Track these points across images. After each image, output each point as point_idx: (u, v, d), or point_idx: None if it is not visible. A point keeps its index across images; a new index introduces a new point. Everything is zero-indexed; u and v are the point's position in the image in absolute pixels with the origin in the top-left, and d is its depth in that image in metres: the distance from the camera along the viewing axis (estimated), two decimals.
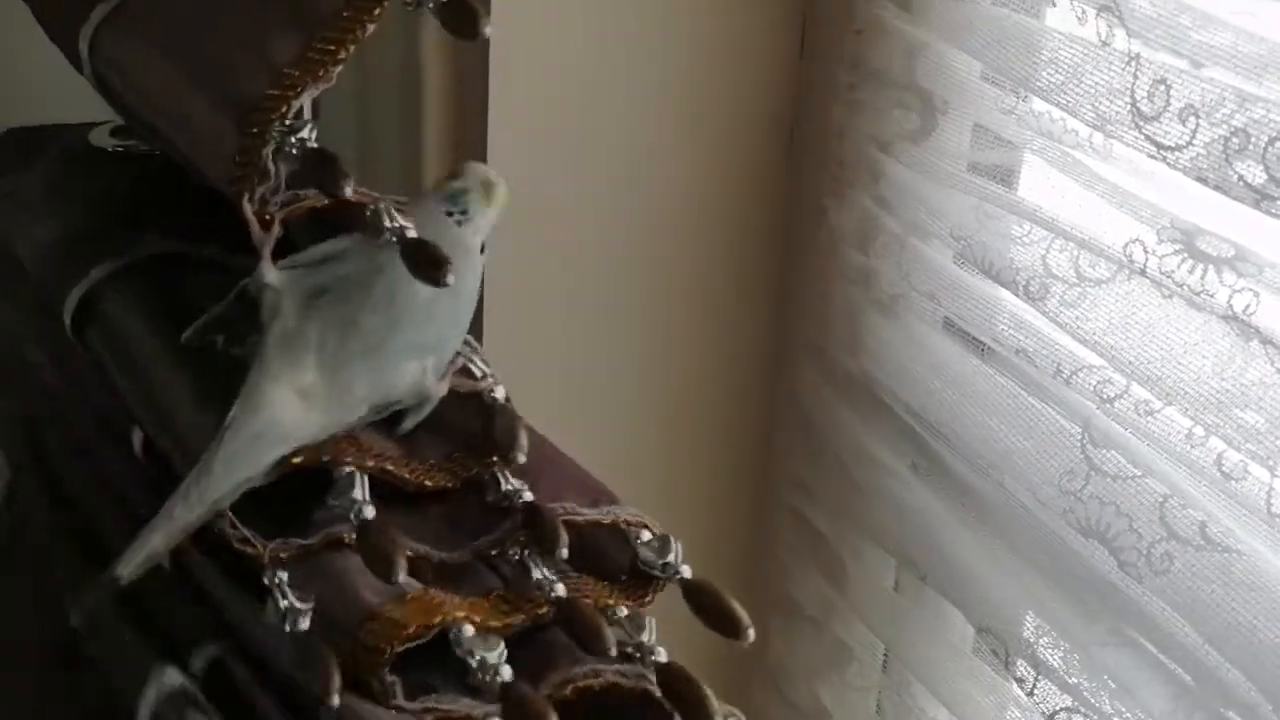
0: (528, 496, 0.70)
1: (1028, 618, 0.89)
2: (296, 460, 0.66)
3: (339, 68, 0.65)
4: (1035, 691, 0.86)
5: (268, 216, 0.68)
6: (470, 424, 0.72)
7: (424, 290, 0.66)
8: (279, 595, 0.64)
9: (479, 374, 0.73)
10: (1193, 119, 0.71)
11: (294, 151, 0.66)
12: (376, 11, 0.64)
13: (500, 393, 0.72)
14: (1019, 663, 0.88)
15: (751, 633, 0.67)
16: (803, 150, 1.03)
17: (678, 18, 0.98)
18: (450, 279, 0.63)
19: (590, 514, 0.69)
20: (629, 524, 0.70)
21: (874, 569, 1.04)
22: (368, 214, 0.66)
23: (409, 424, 0.70)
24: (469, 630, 0.63)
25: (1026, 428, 0.86)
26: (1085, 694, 0.84)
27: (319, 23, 0.65)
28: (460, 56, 0.97)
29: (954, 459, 0.93)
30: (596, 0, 0.97)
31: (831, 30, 0.98)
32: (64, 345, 0.83)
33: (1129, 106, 0.75)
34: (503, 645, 0.63)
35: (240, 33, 0.69)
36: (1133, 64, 0.75)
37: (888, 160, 0.94)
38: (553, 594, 0.66)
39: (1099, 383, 0.80)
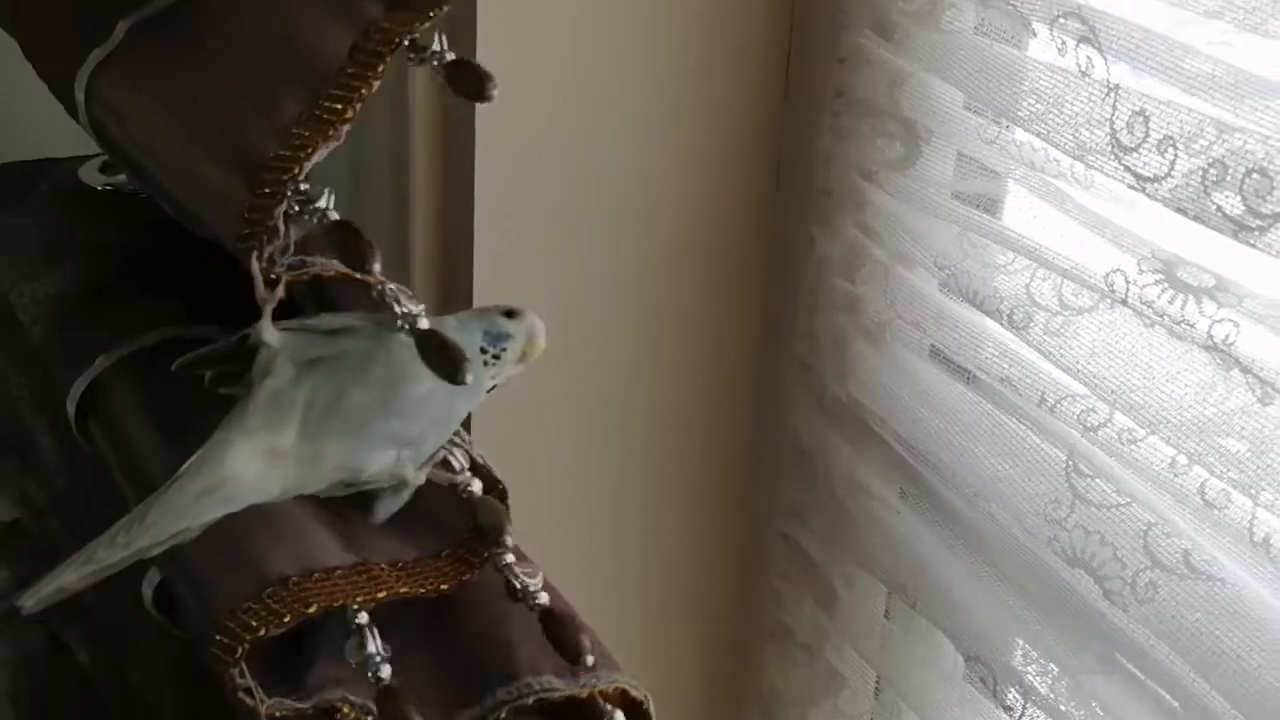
0: (544, 600, 0.69)
1: (1016, 645, 0.89)
2: (311, 610, 0.65)
3: (347, 126, 0.65)
4: (1023, 719, 0.86)
5: (273, 276, 0.68)
6: (461, 513, 0.71)
7: (420, 387, 0.66)
8: None
9: (457, 467, 0.72)
10: (1171, 150, 0.71)
11: (313, 220, 0.65)
12: (380, 68, 0.64)
13: (477, 487, 0.72)
14: (1008, 690, 0.88)
15: None
16: (790, 178, 1.03)
17: (663, 47, 0.99)
18: (469, 378, 0.63)
19: (563, 688, 0.68)
20: (604, 696, 0.69)
21: (865, 596, 1.04)
22: (375, 293, 0.66)
23: (383, 513, 0.70)
24: None
25: (1012, 456, 0.86)
26: None
27: (323, 80, 0.65)
28: (447, 105, 0.98)
29: (942, 486, 0.94)
30: (583, 31, 0.97)
31: (815, 59, 0.98)
32: (61, 413, 0.82)
33: (1109, 137, 0.75)
34: None
35: (242, 86, 0.69)
36: (1112, 94, 0.75)
37: (872, 189, 0.94)
38: None
39: (1083, 411, 0.80)
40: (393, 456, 0.68)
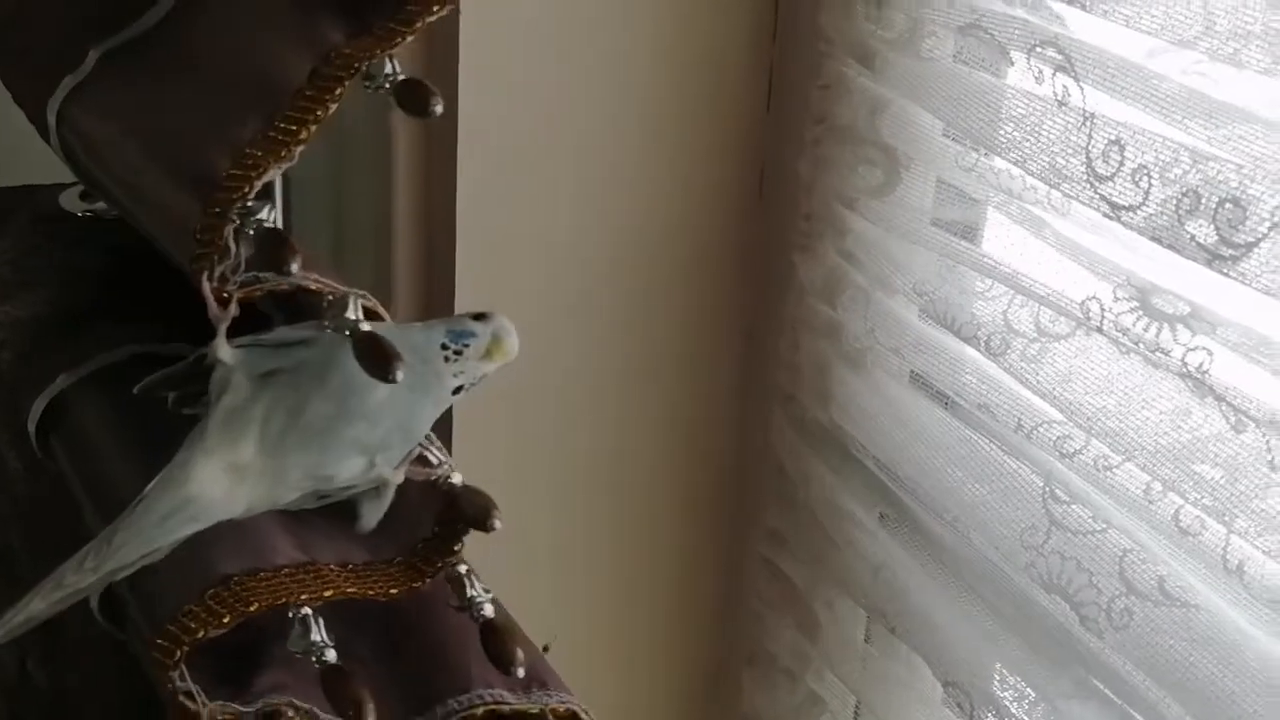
0: (488, 612, 0.69)
1: (993, 670, 0.89)
2: (252, 609, 0.65)
3: (300, 148, 0.65)
4: None
5: (225, 295, 0.68)
6: (430, 509, 0.71)
7: (377, 393, 0.65)
8: None
9: (435, 461, 0.72)
10: (1146, 179, 0.72)
11: (251, 231, 0.66)
12: (338, 91, 0.65)
13: (458, 478, 0.72)
14: (985, 715, 0.88)
15: None
16: (771, 204, 1.04)
17: (646, 74, 0.99)
18: (399, 376, 0.63)
19: (515, 702, 0.68)
20: (555, 715, 0.69)
21: (846, 620, 1.05)
22: (326, 302, 0.67)
23: (370, 520, 0.69)
24: None
25: (990, 481, 0.87)
26: None
27: (281, 103, 0.66)
28: (430, 126, 0.98)
29: (921, 511, 0.94)
30: (564, 59, 0.98)
31: (797, 86, 0.98)
32: (24, 435, 0.82)
33: (1085, 165, 0.76)
34: None
35: (203, 111, 0.69)
36: (1088, 123, 0.76)
37: (853, 215, 0.95)
38: None
39: (1059, 438, 0.81)
40: (363, 463, 0.68)
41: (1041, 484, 0.83)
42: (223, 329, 0.67)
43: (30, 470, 0.89)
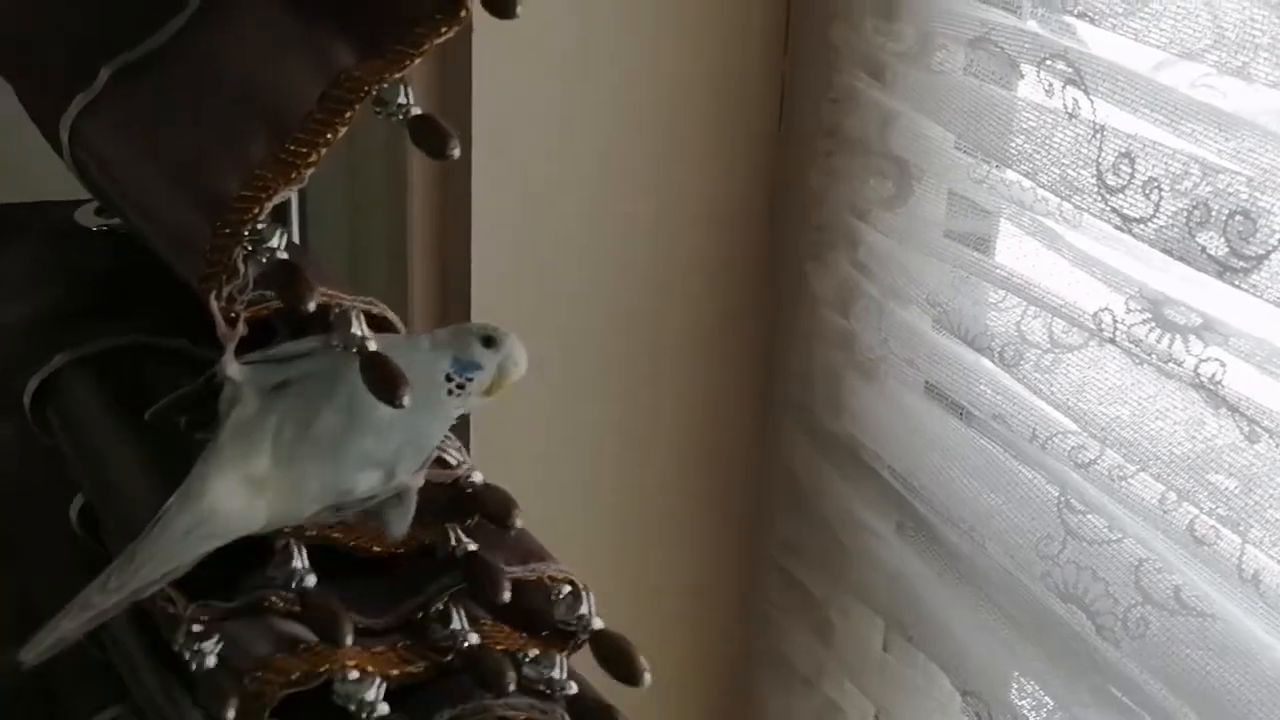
0: (471, 547, 0.70)
1: (1011, 679, 0.89)
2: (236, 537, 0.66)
3: (310, 170, 0.66)
4: None
5: (233, 314, 0.68)
6: (430, 496, 0.72)
7: (384, 409, 0.66)
8: (185, 642, 0.65)
9: (454, 462, 0.73)
10: (1156, 191, 0.72)
11: (262, 260, 0.66)
12: (348, 114, 0.65)
13: (478, 476, 0.72)
14: None
15: (648, 677, 0.67)
16: (784, 215, 1.04)
17: (660, 86, 1.00)
18: (405, 401, 0.63)
19: (517, 572, 0.70)
20: (552, 580, 0.70)
21: (863, 629, 1.05)
22: (332, 316, 0.67)
23: (398, 528, 0.70)
24: (353, 675, 0.63)
25: (1005, 491, 0.87)
26: None
27: (291, 125, 0.66)
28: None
29: (937, 520, 0.94)
30: (577, 70, 0.98)
31: (808, 99, 0.99)
32: (21, 409, 0.84)
33: (1095, 178, 0.76)
34: (379, 683, 0.63)
35: (214, 131, 0.70)
36: (1098, 136, 0.76)
37: (865, 227, 0.95)
38: (464, 644, 0.67)
39: (1074, 448, 0.81)
40: (379, 476, 0.68)
41: (1057, 494, 0.83)
42: (230, 347, 0.67)
43: (23, 444, 0.90)
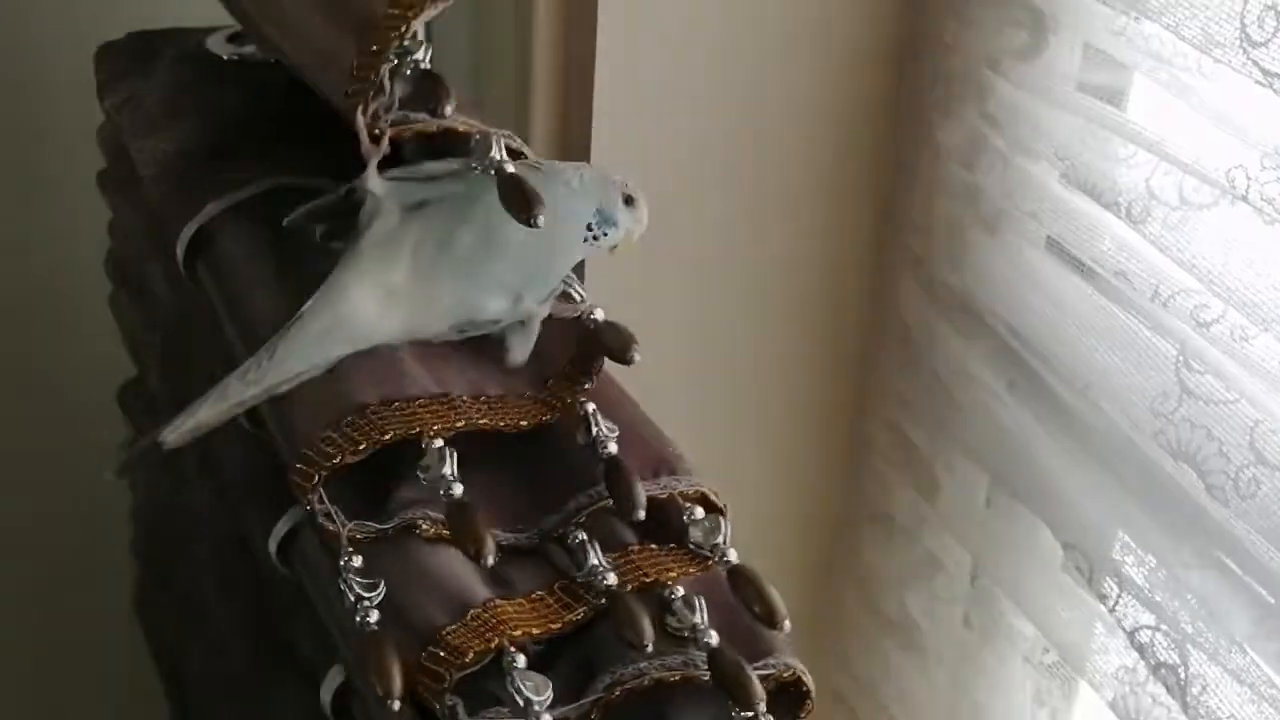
0: (613, 449, 0.70)
1: (1115, 536, 0.90)
2: (387, 437, 0.67)
3: None
4: (1117, 608, 0.87)
5: (377, 131, 0.69)
6: (566, 349, 0.72)
7: (517, 232, 0.67)
8: (349, 585, 0.65)
9: (577, 298, 0.74)
10: None
11: (408, 72, 0.67)
12: None
13: (600, 314, 0.73)
14: (1104, 580, 0.89)
15: (788, 624, 0.66)
16: (913, 66, 1.03)
17: None
18: (540, 220, 0.64)
19: (648, 488, 0.69)
20: (685, 497, 0.70)
21: (967, 484, 1.06)
22: (473, 141, 0.68)
23: (519, 353, 0.71)
24: (521, 661, 0.62)
25: (1123, 349, 0.87)
26: (1169, 613, 0.85)
27: None
28: None
29: (1051, 378, 0.94)
30: None
31: None
32: (173, 261, 0.85)
33: (1238, 31, 0.74)
34: (550, 692, 0.62)
35: None
36: None
37: (996, 77, 0.94)
38: (604, 583, 0.66)
39: (1195, 307, 0.81)
40: (507, 301, 0.70)
41: (1175, 353, 0.83)
42: (373, 163, 0.68)
43: (176, 295, 0.92)
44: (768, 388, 1.13)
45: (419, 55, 0.67)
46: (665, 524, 0.70)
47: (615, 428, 0.71)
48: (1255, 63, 0.73)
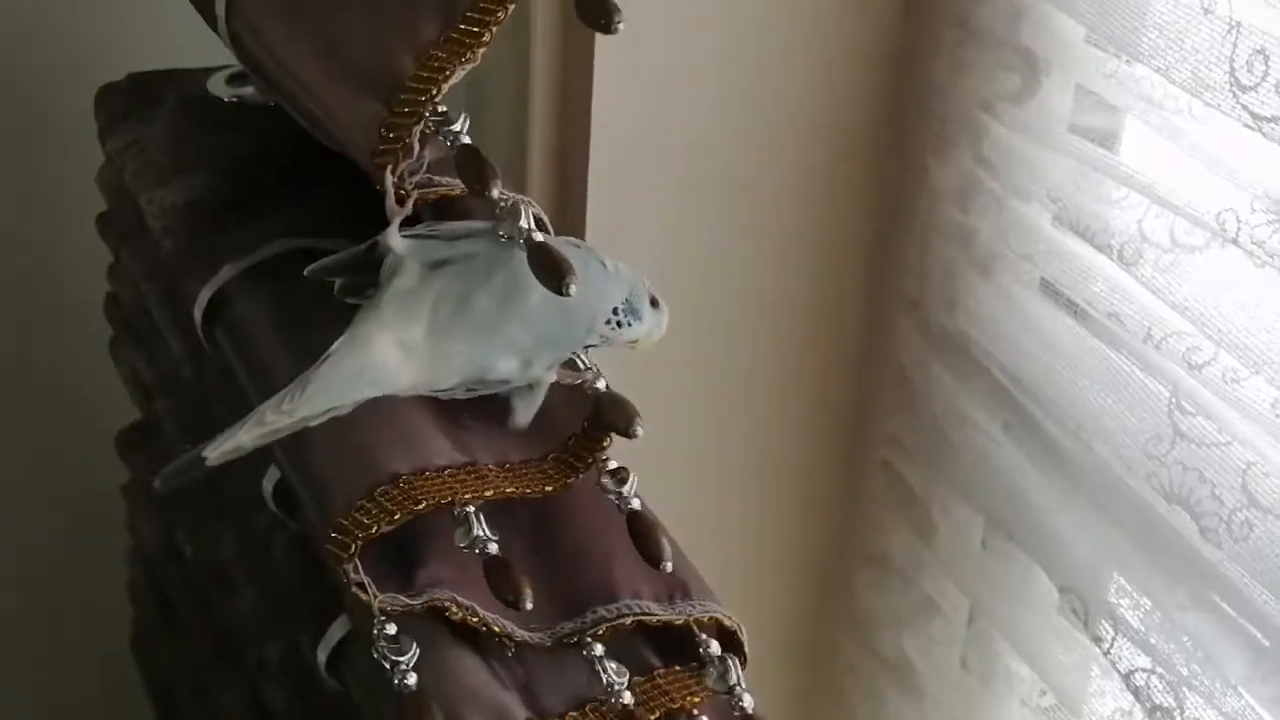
0: (635, 505, 0.70)
1: (1110, 579, 0.90)
2: (420, 507, 0.67)
3: (484, 49, 0.66)
4: (1112, 651, 0.87)
5: (403, 192, 0.70)
6: (574, 413, 0.72)
7: (535, 296, 0.67)
8: (383, 648, 0.66)
9: (582, 367, 0.74)
10: None
11: (446, 142, 0.67)
12: None
13: (602, 384, 0.73)
14: (1100, 622, 0.89)
15: None
16: (906, 108, 1.03)
17: None
18: (572, 289, 0.65)
19: (661, 614, 0.69)
20: (700, 626, 0.70)
21: (963, 526, 1.05)
22: (498, 208, 0.68)
23: (523, 416, 0.71)
24: None
25: (1116, 391, 0.87)
26: (1164, 655, 0.85)
27: (462, 3, 0.66)
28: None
29: (1045, 419, 0.94)
30: None
31: None
32: (187, 320, 0.85)
33: (1228, 75, 0.75)
34: None
35: (384, 9, 0.70)
36: (1233, 32, 0.75)
37: (989, 120, 0.95)
38: (620, 702, 0.66)
39: (1188, 349, 0.81)
40: (517, 363, 0.70)
41: (1168, 395, 0.83)
42: (396, 222, 0.69)
43: (192, 355, 0.92)
44: (764, 428, 1.13)
45: (457, 127, 0.67)
46: (684, 643, 0.70)
47: (633, 483, 0.71)
48: (1245, 107, 0.74)
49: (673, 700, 0.67)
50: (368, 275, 0.70)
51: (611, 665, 0.67)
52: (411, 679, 0.65)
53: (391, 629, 0.66)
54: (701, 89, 1.01)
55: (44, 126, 1.27)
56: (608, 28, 0.65)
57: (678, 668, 0.69)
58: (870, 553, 1.14)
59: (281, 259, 0.83)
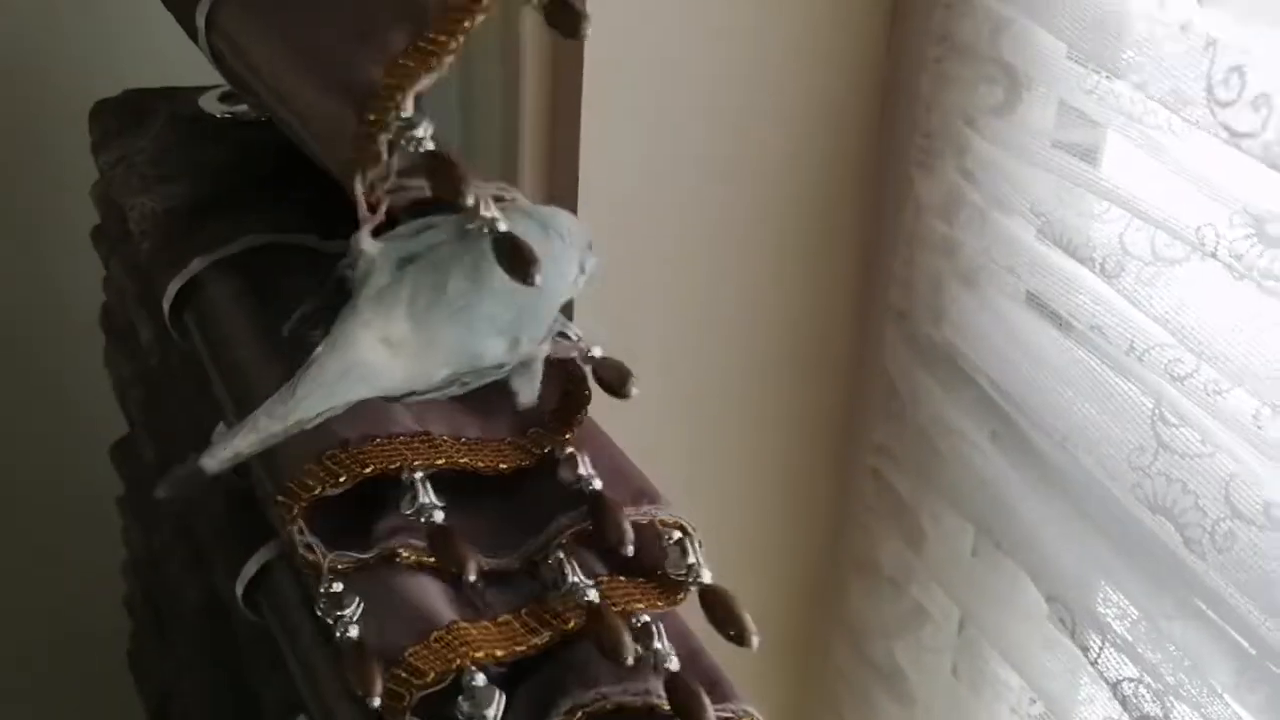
0: (597, 485, 0.72)
1: (1097, 587, 0.90)
2: (368, 470, 0.69)
3: (450, 58, 0.67)
4: (1100, 660, 0.88)
5: (374, 200, 0.71)
6: (547, 399, 0.74)
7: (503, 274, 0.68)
8: (324, 609, 0.67)
9: (574, 337, 0.75)
10: (1265, 107, 0.72)
11: (410, 149, 0.68)
12: (485, 2, 0.66)
13: (598, 351, 0.74)
14: (1087, 631, 0.90)
15: (756, 640, 0.68)
16: (891, 121, 1.04)
17: None
18: (538, 280, 0.66)
19: (630, 515, 0.71)
20: (664, 524, 0.72)
21: (952, 534, 1.06)
22: (464, 202, 0.69)
23: (526, 396, 0.72)
24: (480, 680, 0.64)
25: (1100, 402, 0.87)
26: (1151, 664, 0.86)
27: (430, 14, 0.68)
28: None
29: (1031, 429, 0.95)
30: None
31: (921, 4, 0.99)
32: (158, 311, 0.86)
33: (1205, 92, 0.75)
34: (499, 700, 0.64)
35: (353, 20, 0.71)
36: (1210, 48, 0.75)
37: (972, 134, 0.95)
38: (585, 599, 0.68)
39: (1170, 361, 0.81)
40: (504, 344, 0.71)
41: (1151, 406, 0.83)
42: (367, 228, 0.70)
43: (160, 343, 0.94)
44: (754, 437, 1.14)
45: (420, 133, 0.68)
46: (639, 555, 0.71)
47: (596, 472, 0.73)
48: (1223, 123, 0.74)
49: (614, 604, 0.69)
50: (329, 308, 0.71)
51: (573, 567, 0.69)
52: (353, 631, 0.66)
53: (337, 587, 0.67)
54: (688, 102, 1.02)
55: (47, 144, 1.28)
56: (575, 34, 0.66)
57: (622, 578, 0.71)
58: (860, 560, 1.15)
59: (251, 254, 0.84)
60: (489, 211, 0.69)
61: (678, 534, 0.72)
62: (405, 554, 0.69)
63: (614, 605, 0.69)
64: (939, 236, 1.00)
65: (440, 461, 0.70)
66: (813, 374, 1.13)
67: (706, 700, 0.65)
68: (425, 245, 0.71)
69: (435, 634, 0.65)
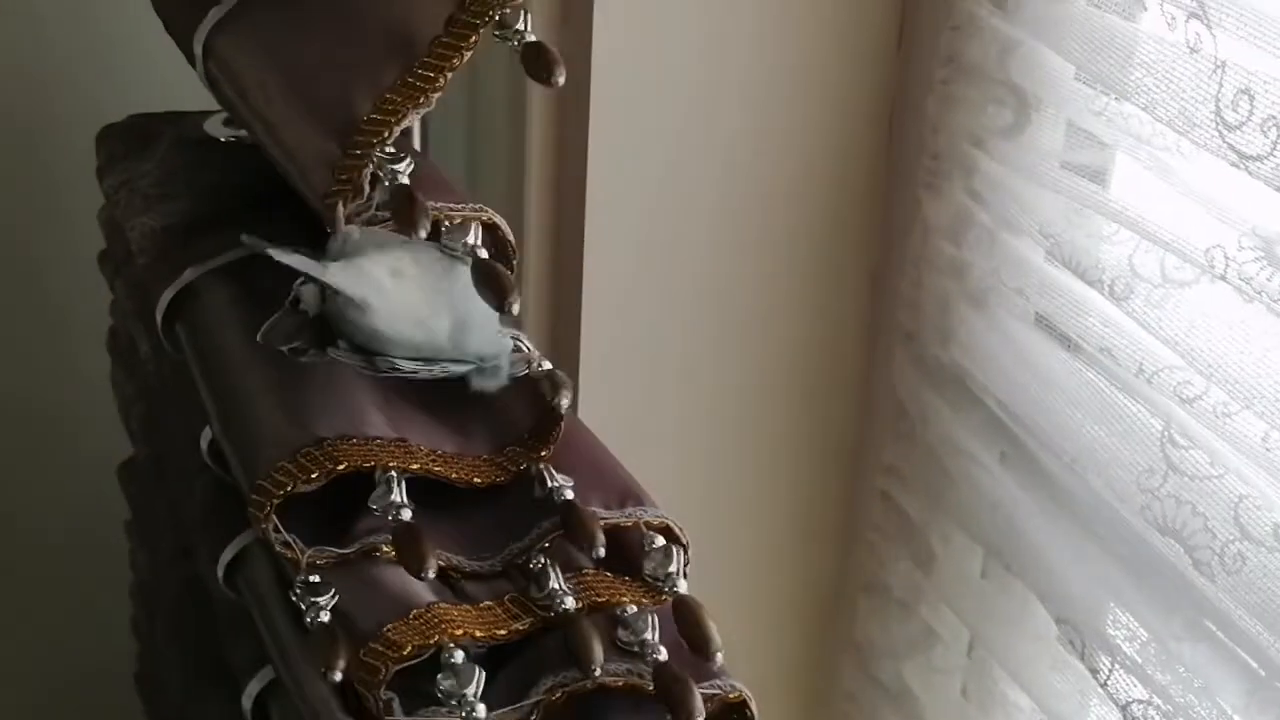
0: (568, 495, 0.72)
1: (1106, 609, 0.90)
2: (341, 468, 0.69)
3: (438, 94, 0.68)
4: (1109, 682, 0.88)
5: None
6: (524, 418, 0.75)
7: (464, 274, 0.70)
8: (301, 596, 0.68)
9: (525, 350, 0.76)
10: (1274, 129, 0.72)
11: (385, 181, 0.69)
12: (473, 39, 0.67)
13: (546, 365, 0.75)
14: (1097, 653, 0.90)
15: (720, 656, 0.68)
16: (900, 143, 1.04)
17: (778, 9, 1.00)
18: (515, 309, 0.67)
19: (613, 517, 0.72)
20: (648, 526, 0.72)
21: (962, 556, 1.06)
22: (444, 227, 0.71)
23: (479, 386, 0.73)
24: (459, 657, 0.65)
25: (1109, 424, 0.87)
26: (1161, 686, 0.85)
27: (418, 51, 0.68)
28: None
29: (1040, 451, 0.95)
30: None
31: (928, 25, 0.99)
32: (154, 322, 0.87)
33: (1214, 114, 0.76)
34: (480, 676, 0.65)
35: (344, 54, 0.72)
36: (1219, 71, 0.76)
37: (981, 155, 0.96)
38: (563, 606, 0.69)
39: (1179, 383, 0.81)
40: (448, 325, 0.71)
41: (1160, 428, 0.83)
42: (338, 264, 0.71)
43: (156, 354, 0.95)
44: (763, 459, 1.14)
45: (398, 167, 0.68)
46: (623, 554, 0.72)
47: (570, 480, 0.74)
48: (1231, 145, 0.74)
49: (599, 595, 0.70)
50: (313, 333, 0.72)
51: (555, 573, 0.70)
52: (325, 616, 0.67)
53: (315, 579, 0.68)
54: (696, 126, 1.02)
55: (57, 169, 1.29)
56: (548, 80, 0.67)
57: (608, 574, 0.71)
58: (870, 582, 1.15)
59: (245, 263, 0.85)
60: (472, 237, 0.71)
61: (661, 539, 0.73)
62: (386, 549, 0.70)
63: (599, 598, 0.70)
64: (947, 258, 1.00)
65: (415, 467, 0.71)
66: (822, 395, 1.13)
67: (693, 686, 0.66)
68: (394, 240, 0.72)
69: (415, 611, 0.66)
